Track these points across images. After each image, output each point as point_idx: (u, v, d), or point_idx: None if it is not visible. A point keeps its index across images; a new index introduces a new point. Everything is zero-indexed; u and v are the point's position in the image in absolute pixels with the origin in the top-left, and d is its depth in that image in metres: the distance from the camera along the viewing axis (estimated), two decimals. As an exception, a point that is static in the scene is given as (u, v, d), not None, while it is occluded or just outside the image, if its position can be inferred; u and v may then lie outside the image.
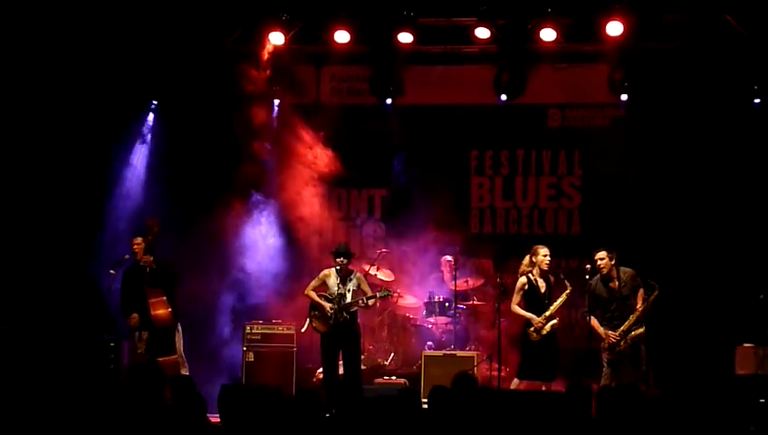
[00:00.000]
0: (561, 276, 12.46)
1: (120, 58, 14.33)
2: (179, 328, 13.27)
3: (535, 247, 12.52)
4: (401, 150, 15.33)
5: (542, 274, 12.42)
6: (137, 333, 12.93)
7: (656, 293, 12.00)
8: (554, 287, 12.48)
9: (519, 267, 12.56)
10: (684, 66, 14.26)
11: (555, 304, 12.30)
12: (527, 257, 12.49)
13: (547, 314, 12.27)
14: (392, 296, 14.03)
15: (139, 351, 12.85)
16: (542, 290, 12.39)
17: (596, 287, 12.25)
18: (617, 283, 12.19)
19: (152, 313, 12.86)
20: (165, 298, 12.97)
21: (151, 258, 12.95)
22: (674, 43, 14.25)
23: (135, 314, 12.87)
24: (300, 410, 6.70)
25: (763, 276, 13.32)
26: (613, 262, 12.19)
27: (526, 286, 12.38)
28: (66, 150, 14.42)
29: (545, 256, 12.39)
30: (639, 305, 12.08)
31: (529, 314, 12.32)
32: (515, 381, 12.35)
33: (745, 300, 13.29)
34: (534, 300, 12.38)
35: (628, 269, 12.26)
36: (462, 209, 15.53)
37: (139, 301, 12.88)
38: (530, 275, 12.40)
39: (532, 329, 12.28)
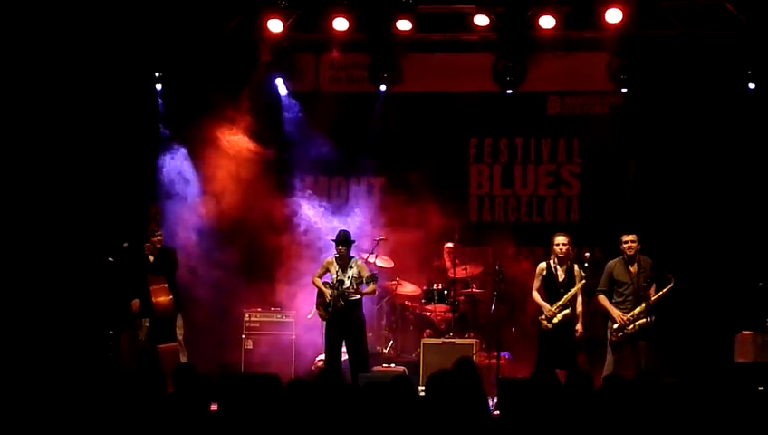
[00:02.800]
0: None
1: (119, 44, 14.30)
2: (180, 316, 13.29)
3: (553, 235, 12.50)
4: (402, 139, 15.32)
5: (561, 261, 12.34)
6: (137, 320, 12.95)
7: (670, 286, 12.04)
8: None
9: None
10: (683, 54, 14.24)
11: (569, 293, 12.24)
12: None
13: (560, 302, 12.21)
14: (380, 281, 13.96)
15: (141, 338, 12.87)
16: (560, 278, 12.31)
17: (614, 268, 12.30)
18: (636, 268, 12.22)
19: (153, 300, 12.87)
20: (166, 285, 12.99)
21: (152, 245, 12.99)
22: (673, 30, 14.23)
23: (136, 301, 12.89)
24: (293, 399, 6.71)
25: (762, 264, 13.32)
26: (639, 247, 12.25)
27: (544, 272, 12.34)
28: (66, 137, 14.37)
29: (558, 244, 12.30)
30: (654, 296, 12.11)
31: (542, 303, 12.29)
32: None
33: (745, 288, 13.29)
34: (551, 287, 12.33)
35: (648, 258, 12.30)
36: (461, 197, 15.53)
37: (141, 288, 12.89)
38: (550, 261, 12.36)
39: (543, 317, 12.26)
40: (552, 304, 12.26)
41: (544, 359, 12.16)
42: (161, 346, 12.75)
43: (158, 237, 13.07)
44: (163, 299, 12.96)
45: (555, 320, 12.23)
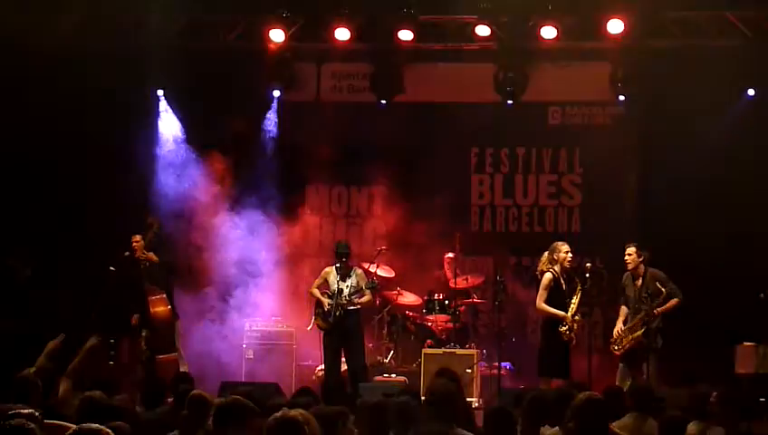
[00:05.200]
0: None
1: (121, 53, 14.29)
2: (178, 325, 13.28)
3: (555, 244, 12.27)
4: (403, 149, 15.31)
5: (564, 270, 12.19)
6: (135, 331, 12.95)
7: (674, 302, 12.06)
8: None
9: (537, 265, 12.34)
10: (685, 64, 14.22)
11: (575, 301, 12.02)
12: (545, 254, 12.23)
13: (572, 312, 11.99)
14: (380, 291, 13.97)
15: (142, 348, 12.87)
16: (564, 287, 12.13)
17: (624, 281, 12.37)
18: (641, 281, 12.18)
19: (152, 310, 12.87)
20: (164, 295, 13.01)
21: (151, 255, 13.00)
22: (675, 40, 14.23)
23: (135, 315, 12.88)
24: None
25: (763, 275, 13.28)
26: (641, 259, 12.20)
27: (552, 284, 12.10)
28: (69, 145, 14.35)
29: (567, 252, 12.14)
30: (657, 309, 12.07)
31: (559, 313, 12.01)
32: (554, 380, 11.92)
33: (746, 299, 13.26)
34: (558, 297, 12.09)
35: (656, 271, 12.25)
36: (462, 207, 15.50)
37: (139, 298, 12.88)
38: (553, 272, 12.12)
39: (564, 328, 11.97)
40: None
41: (564, 368, 12.07)
42: (160, 356, 12.75)
43: (150, 255, 13.06)
44: (161, 309, 12.98)
45: (575, 328, 12.09)
